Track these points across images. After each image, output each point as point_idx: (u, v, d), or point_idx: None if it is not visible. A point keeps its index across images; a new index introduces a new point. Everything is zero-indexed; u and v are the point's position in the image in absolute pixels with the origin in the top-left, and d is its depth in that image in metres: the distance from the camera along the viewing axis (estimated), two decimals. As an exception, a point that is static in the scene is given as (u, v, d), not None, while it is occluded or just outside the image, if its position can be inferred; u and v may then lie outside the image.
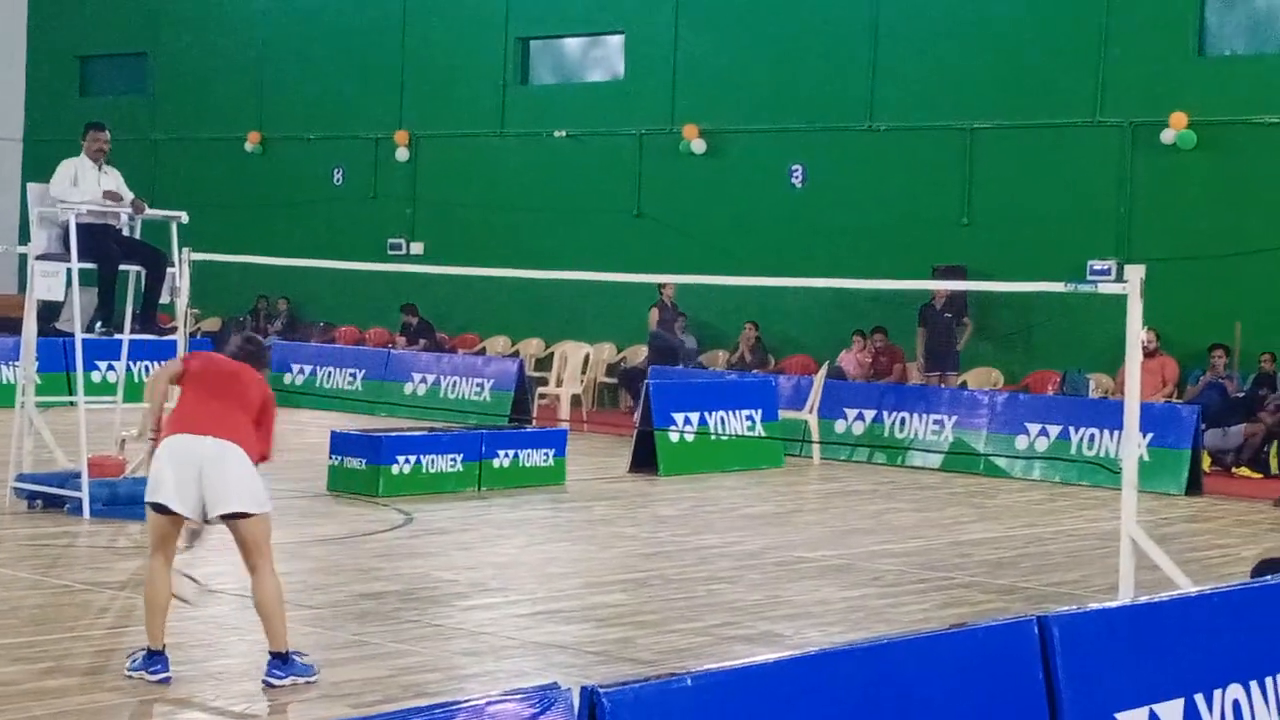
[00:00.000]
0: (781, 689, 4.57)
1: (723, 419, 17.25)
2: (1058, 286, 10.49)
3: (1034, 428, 17.34)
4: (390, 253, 26.03)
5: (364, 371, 22.21)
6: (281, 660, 7.63)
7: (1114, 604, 5.82)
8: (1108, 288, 9.30)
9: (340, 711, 7.36)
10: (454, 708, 3.95)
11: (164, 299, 12.94)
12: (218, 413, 7.68)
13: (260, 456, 7.80)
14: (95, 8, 30.04)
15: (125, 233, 12.99)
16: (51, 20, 30.69)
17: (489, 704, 3.97)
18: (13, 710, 7.07)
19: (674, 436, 16.67)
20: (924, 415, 18.16)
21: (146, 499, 7.69)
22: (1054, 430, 17.22)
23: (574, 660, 8.50)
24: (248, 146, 27.72)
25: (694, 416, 16.93)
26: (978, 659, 5.14)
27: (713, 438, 16.93)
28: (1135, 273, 8.77)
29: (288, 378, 22.63)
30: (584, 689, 4.18)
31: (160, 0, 29.24)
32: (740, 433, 17.21)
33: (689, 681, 4.36)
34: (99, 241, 12.54)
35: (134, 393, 14.06)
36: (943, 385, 19.47)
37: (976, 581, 11.25)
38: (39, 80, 30.92)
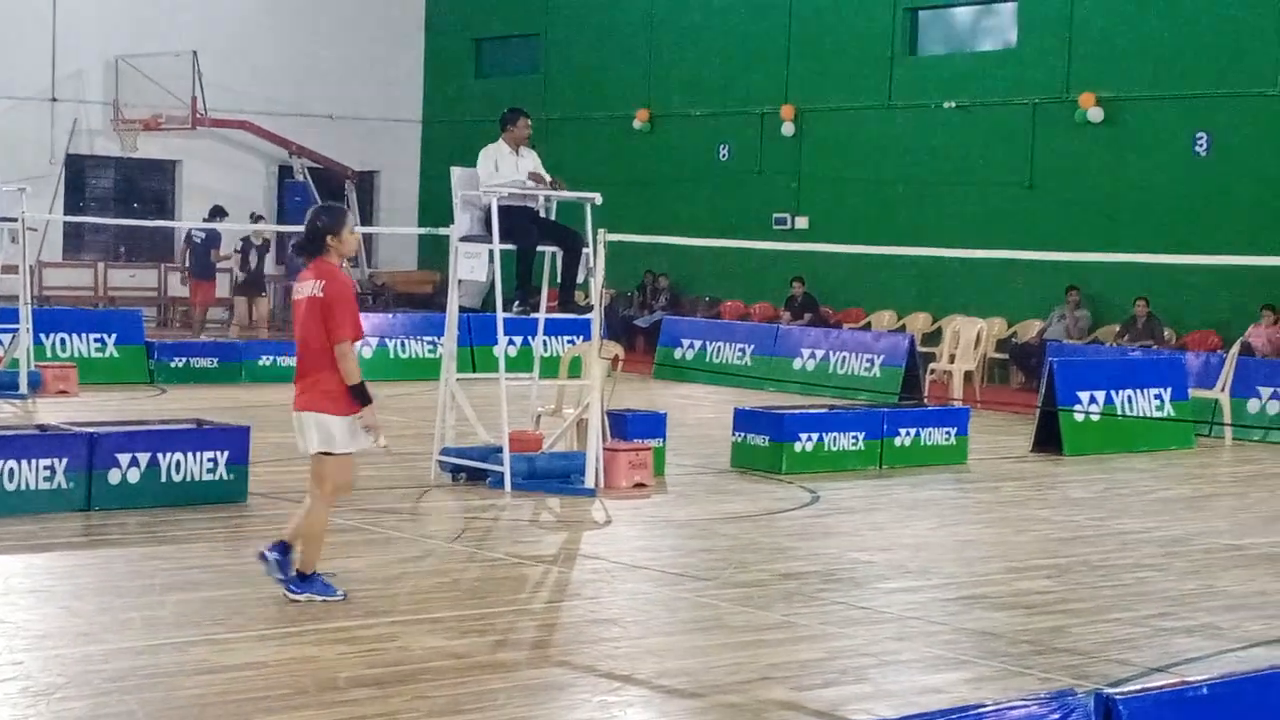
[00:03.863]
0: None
1: (1129, 398, 16.71)
2: None
3: None
4: (775, 228, 26.11)
5: (753, 347, 22.34)
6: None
7: None
8: None
9: (780, 694, 7.38)
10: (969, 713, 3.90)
11: (580, 278, 13.26)
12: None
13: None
14: (490, -9, 31.03)
15: (542, 214, 13.37)
16: (448, 4, 31.80)
17: (1009, 709, 3.89)
18: (473, 683, 7.32)
19: (1078, 416, 16.23)
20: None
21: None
22: None
23: (1009, 649, 8.34)
24: (636, 124, 28.18)
25: (1099, 395, 16.46)
26: None
27: (1119, 417, 16.42)
28: None
29: (677, 352, 23.01)
30: (1097, 695, 4.08)
31: (553, -19, 30.03)
32: (1148, 413, 16.65)
33: (1205, 690, 4.21)
34: (519, 223, 12.93)
35: (549, 369, 14.48)
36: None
37: None
38: (436, 63, 32.11)
